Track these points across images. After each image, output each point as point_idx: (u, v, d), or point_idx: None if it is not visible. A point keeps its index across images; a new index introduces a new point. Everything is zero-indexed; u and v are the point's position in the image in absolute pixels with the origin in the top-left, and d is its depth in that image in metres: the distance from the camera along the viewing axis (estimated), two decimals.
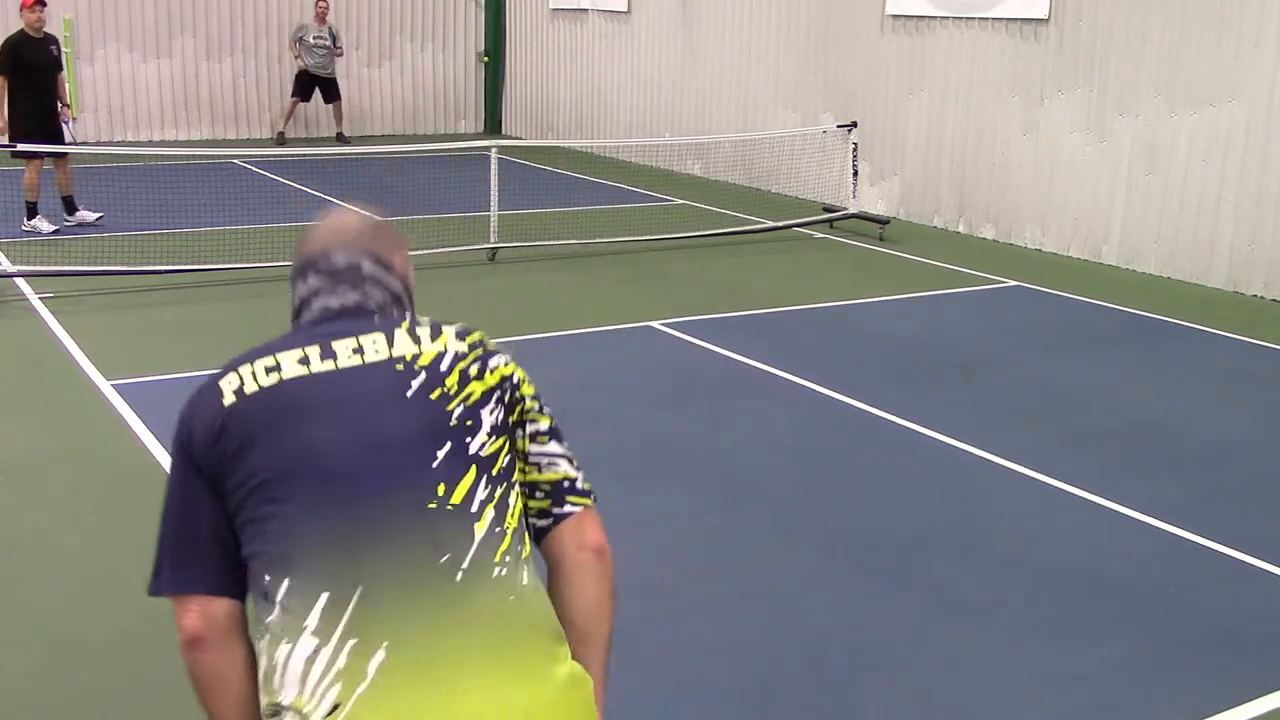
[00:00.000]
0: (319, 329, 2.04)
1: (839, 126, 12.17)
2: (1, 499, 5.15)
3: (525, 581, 1.93)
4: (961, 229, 12.01)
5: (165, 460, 5.46)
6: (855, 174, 11.83)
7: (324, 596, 1.81)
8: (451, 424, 1.95)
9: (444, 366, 2.00)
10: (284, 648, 1.81)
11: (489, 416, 2.00)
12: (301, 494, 1.86)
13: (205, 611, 1.91)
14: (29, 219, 10.44)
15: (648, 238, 11.00)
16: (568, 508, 2.08)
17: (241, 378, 1.94)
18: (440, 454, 1.91)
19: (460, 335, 2.06)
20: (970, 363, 7.53)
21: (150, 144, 16.21)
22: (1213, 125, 9.76)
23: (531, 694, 1.81)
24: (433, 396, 1.95)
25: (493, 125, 19.08)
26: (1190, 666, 4.07)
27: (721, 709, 3.72)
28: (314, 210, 10.36)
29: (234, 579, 1.93)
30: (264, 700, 1.86)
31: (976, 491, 5.48)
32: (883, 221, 11.67)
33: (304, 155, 14.50)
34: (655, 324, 8.16)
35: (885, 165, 12.68)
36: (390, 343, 2.00)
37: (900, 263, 10.54)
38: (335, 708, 1.75)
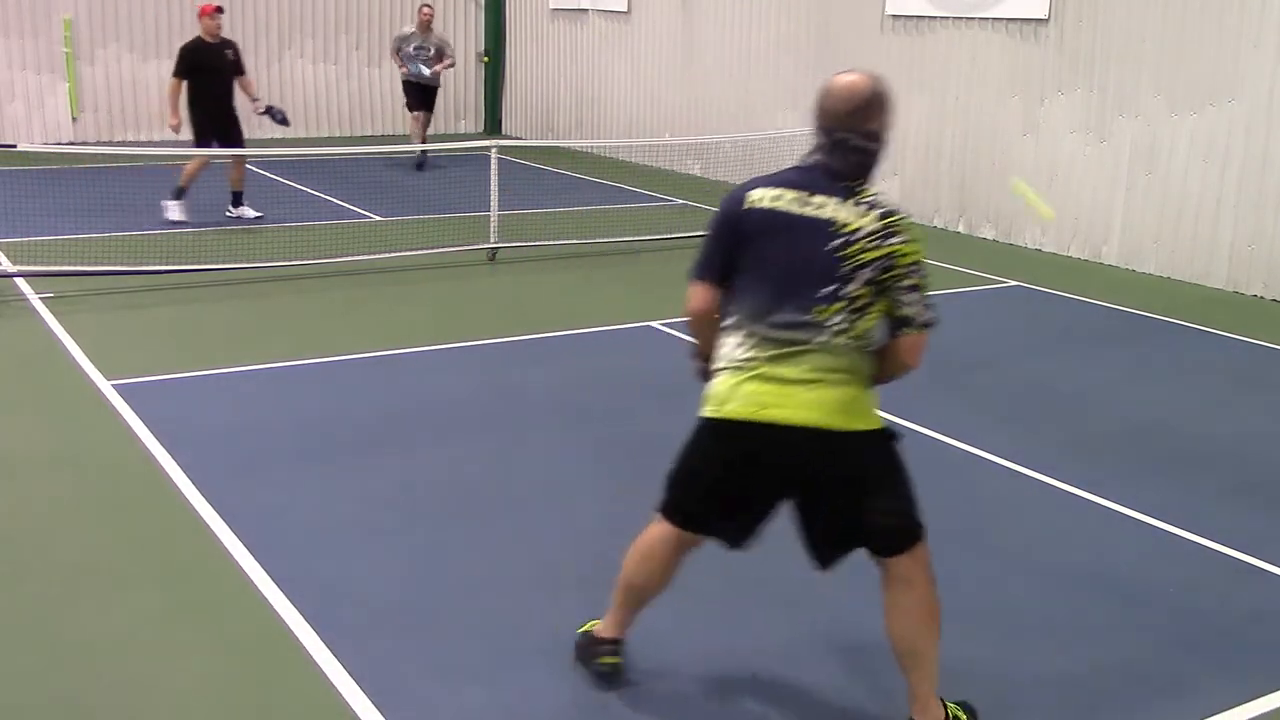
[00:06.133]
0: (805, 177, 3.32)
1: None
2: (1, 499, 5.15)
3: (842, 354, 3.27)
4: (961, 229, 12.01)
5: (165, 460, 5.47)
6: None
7: (745, 328, 3.30)
8: (839, 274, 3.21)
9: (856, 237, 3.22)
10: (727, 339, 3.35)
11: (866, 273, 3.22)
12: (754, 283, 3.31)
13: (708, 293, 3.40)
14: (173, 198, 10.91)
15: (648, 238, 11.00)
16: (902, 333, 3.32)
17: (760, 195, 3.32)
18: (824, 290, 3.21)
19: (881, 216, 3.27)
20: (970, 363, 7.52)
21: (150, 144, 16.21)
22: (1213, 125, 9.76)
23: (822, 393, 3.25)
24: (838, 254, 3.21)
25: (493, 125, 19.08)
26: (1190, 666, 4.07)
27: (723, 709, 3.72)
28: (314, 210, 10.16)
29: (724, 282, 3.40)
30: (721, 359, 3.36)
31: (976, 491, 5.48)
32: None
33: (305, 155, 14.50)
34: (655, 324, 8.16)
35: (885, 165, 12.62)
36: (835, 209, 3.25)
37: None
38: (745, 367, 3.29)
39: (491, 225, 10.06)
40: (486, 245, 10.06)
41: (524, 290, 9.22)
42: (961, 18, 11.67)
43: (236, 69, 11.11)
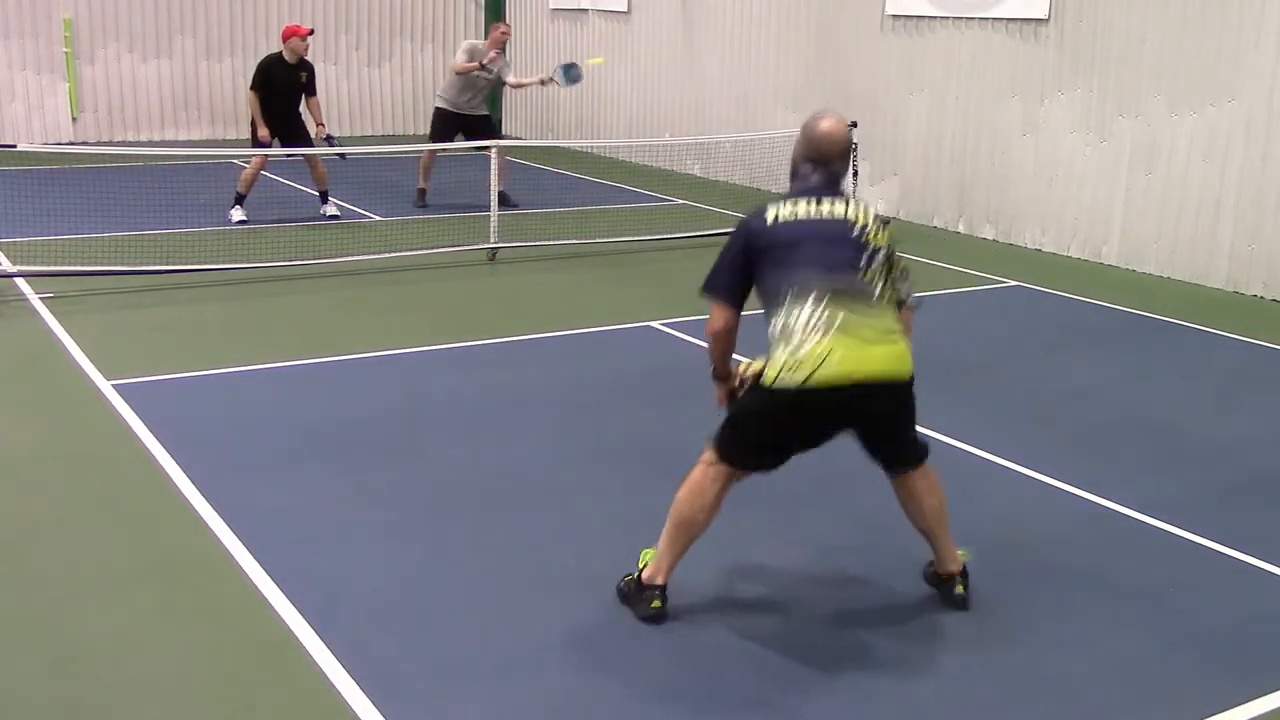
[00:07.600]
0: (812, 193, 4.08)
1: None
2: (1, 499, 5.15)
3: (892, 314, 4.01)
4: (961, 229, 12.01)
5: (165, 460, 5.47)
6: (855, 174, 11.80)
7: (813, 295, 3.88)
8: (866, 248, 3.97)
9: (867, 225, 4.04)
10: (794, 314, 3.87)
11: (882, 254, 4.01)
12: (801, 264, 3.92)
13: (731, 311, 4.08)
14: (233, 206, 11.15)
15: (648, 238, 11.00)
16: (901, 311, 4.10)
17: (776, 212, 4.03)
18: (861, 257, 3.97)
19: (870, 212, 4.10)
20: (970, 363, 7.52)
21: (150, 144, 16.22)
22: (1213, 125, 9.76)
23: (894, 349, 3.95)
24: (861, 240, 3.99)
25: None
26: (1190, 666, 4.07)
27: (722, 709, 3.72)
28: (314, 210, 10.12)
29: (742, 301, 4.07)
30: (780, 350, 3.90)
31: (976, 491, 5.48)
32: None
33: (305, 155, 14.46)
34: (655, 324, 8.16)
35: (885, 165, 12.68)
36: (845, 209, 4.06)
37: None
38: (830, 327, 3.84)
39: (491, 225, 10.06)
40: (486, 245, 10.06)
41: (524, 290, 9.22)
42: (961, 18, 11.67)
43: (308, 90, 11.34)
